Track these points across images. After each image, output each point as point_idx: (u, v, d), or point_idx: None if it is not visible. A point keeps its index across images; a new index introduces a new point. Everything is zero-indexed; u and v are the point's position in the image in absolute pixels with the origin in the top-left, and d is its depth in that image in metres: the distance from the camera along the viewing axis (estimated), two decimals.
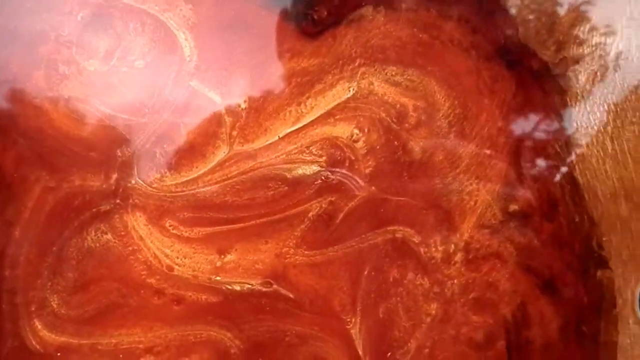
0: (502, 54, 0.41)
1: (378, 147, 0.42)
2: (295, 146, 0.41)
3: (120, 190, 0.40)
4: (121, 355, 0.42)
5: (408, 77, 0.41)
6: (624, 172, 0.42)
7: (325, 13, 0.40)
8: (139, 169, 0.40)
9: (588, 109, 0.42)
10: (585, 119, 0.42)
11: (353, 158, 0.42)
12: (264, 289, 0.42)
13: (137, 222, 0.41)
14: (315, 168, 0.41)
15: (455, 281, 0.43)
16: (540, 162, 0.42)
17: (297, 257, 0.42)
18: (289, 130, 0.41)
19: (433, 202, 0.42)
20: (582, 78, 0.41)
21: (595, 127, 0.42)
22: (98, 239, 0.41)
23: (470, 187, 0.42)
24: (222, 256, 0.42)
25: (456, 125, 0.42)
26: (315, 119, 0.41)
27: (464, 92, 0.41)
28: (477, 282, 0.43)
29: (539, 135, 0.42)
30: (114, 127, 0.40)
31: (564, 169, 0.42)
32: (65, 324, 0.41)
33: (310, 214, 0.42)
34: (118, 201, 0.41)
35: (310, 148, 0.41)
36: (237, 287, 0.42)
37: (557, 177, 0.42)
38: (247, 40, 0.40)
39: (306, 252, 0.42)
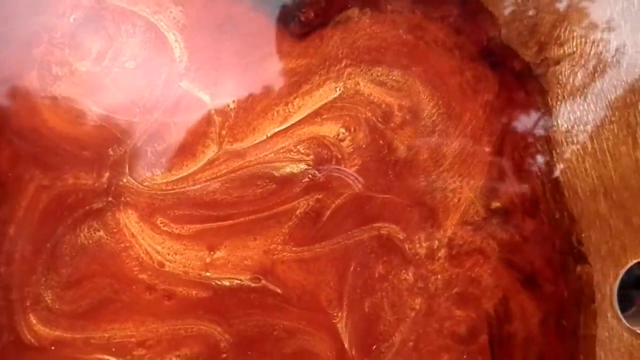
0: (485, 54, 0.41)
1: (364, 146, 0.42)
2: (283, 145, 0.41)
3: (113, 188, 0.41)
4: (114, 349, 0.42)
5: (393, 78, 0.42)
6: (604, 170, 0.43)
7: (313, 15, 0.40)
8: (130, 168, 0.41)
9: (568, 108, 0.42)
10: (566, 118, 0.42)
11: (340, 157, 0.42)
12: (252, 285, 0.43)
13: (129, 220, 0.41)
14: (302, 166, 0.42)
15: (439, 276, 0.44)
16: (522, 161, 0.43)
17: (285, 253, 0.43)
18: (277, 130, 0.41)
19: (417, 199, 0.43)
20: (563, 78, 0.42)
21: (576, 127, 0.42)
22: (91, 236, 0.41)
23: (453, 185, 0.43)
24: (212, 252, 0.42)
25: (440, 125, 0.42)
26: (303, 118, 0.41)
27: (448, 92, 0.42)
28: (460, 277, 0.44)
29: (521, 134, 0.43)
30: (106, 126, 0.40)
31: (545, 167, 0.43)
32: (59, 318, 0.41)
33: (297, 212, 0.42)
34: (110, 199, 0.41)
35: (298, 147, 0.42)
36: (227, 283, 0.42)
37: (539, 175, 0.43)
38: (236, 42, 0.40)
39: (294, 249, 0.42)
